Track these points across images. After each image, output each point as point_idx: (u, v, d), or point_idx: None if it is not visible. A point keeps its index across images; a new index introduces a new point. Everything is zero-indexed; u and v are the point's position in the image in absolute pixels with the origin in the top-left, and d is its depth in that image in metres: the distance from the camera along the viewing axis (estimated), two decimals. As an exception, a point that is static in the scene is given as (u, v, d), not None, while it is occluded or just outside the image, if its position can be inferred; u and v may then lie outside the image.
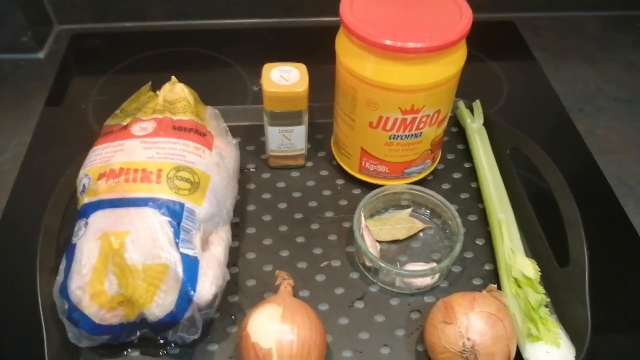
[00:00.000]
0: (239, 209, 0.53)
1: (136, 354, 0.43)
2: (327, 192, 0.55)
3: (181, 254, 0.40)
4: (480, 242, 0.52)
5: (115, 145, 0.44)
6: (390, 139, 0.50)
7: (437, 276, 0.47)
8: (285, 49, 0.72)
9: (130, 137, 0.45)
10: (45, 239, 0.45)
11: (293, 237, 0.51)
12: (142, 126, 0.46)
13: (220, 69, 0.69)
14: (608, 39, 0.79)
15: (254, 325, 0.39)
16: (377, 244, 0.50)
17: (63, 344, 0.41)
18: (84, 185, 0.43)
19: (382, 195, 0.51)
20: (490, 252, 0.50)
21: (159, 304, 0.38)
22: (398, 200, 0.53)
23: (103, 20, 0.74)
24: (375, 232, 0.50)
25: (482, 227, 0.53)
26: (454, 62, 0.46)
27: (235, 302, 0.46)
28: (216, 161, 0.46)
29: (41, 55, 0.70)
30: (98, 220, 0.40)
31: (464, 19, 0.45)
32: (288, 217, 0.53)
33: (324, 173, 0.57)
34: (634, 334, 0.46)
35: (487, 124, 0.60)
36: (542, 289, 0.45)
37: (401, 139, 0.50)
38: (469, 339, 0.38)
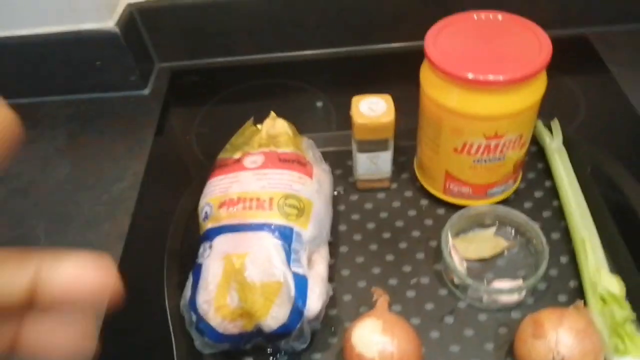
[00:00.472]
0: (332, 229, 0.58)
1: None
2: (412, 212, 0.59)
3: (292, 272, 0.45)
4: (564, 259, 0.54)
5: (231, 177, 0.51)
6: (474, 162, 0.53)
7: (524, 293, 0.50)
8: (364, 74, 0.77)
9: (243, 169, 0.52)
10: (169, 259, 0.52)
11: (383, 255, 0.55)
12: (252, 159, 0.52)
13: (304, 97, 0.75)
14: (689, 49, 0.78)
15: (357, 337, 0.43)
16: (464, 262, 0.53)
17: (189, 351, 0.47)
18: (206, 212, 0.50)
19: (468, 214, 0.54)
20: (574, 269, 0.52)
21: (274, 317, 0.44)
22: (482, 219, 0.56)
23: (197, 57, 0.82)
24: (461, 250, 0.54)
25: (565, 244, 0.55)
26: (535, 91, 0.49)
27: (334, 315, 0.51)
28: (316, 188, 0.52)
29: (146, 91, 0.79)
30: (221, 242, 0.47)
31: (543, 50, 0.48)
32: (377, 236, 0.57)
33: (408, 194, 0.61)
34: None
35: (566, 142, 0.62)
36: (627, 305, 0.47)
37: (485, 162, 0.53)
38: (558, 353, 0.41)
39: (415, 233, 0.57)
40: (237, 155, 0.54)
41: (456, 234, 0.55)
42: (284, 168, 0.51)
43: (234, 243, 0.46)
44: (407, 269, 0.54)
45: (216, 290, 0.45)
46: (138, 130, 0.73)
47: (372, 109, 0.54)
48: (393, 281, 0.53)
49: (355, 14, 0.78)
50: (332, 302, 0.52)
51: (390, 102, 0.55)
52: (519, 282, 0.50)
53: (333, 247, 0.56)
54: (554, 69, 0.75)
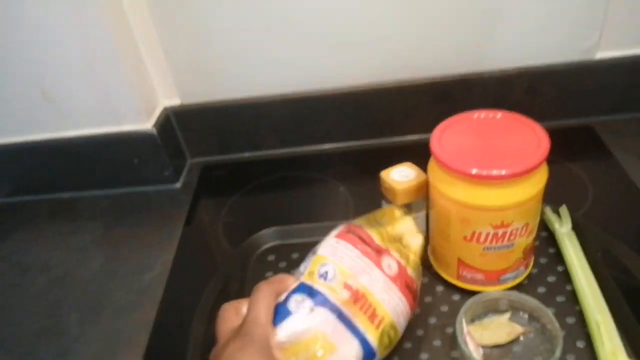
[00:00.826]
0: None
1: None
2: (428, 299, 0.61)
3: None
4: (580, 344, 0.54)
5: (364, 262, 0.49)
6: (484, 250, 0.56)
7: (539, 381, 0.50)
8: (378, 165, 0.82)
9: (379, 266, 0.50)
10: (193, 346, 0.54)
11: (400, 343, 0.56)
12: (389, 264, 0.51)
13: (324, 187, 0.80)
14: (691, 135, 0.81)
15: None
16: (480, 349, 0.54)
17: None
18: (327, 272, 0.48)
19: (482, 301, 0.56)
20: (591, 354, 0.53)
21: None
22: (496, 305, 0.57)
23: (226, 152, 0.89)
24: (476, 336, 0.55)
25: (580, 329, 0.56)
26: (536, 183, 0.53)
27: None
28: (406, 319, 0.53)
29: (178, 185, 0.85)
30: (320, 316, 0.46)
31: (541, 144, 0.52)
32: (395, 323, 0.59)
33: (424, 280, 0.63)
34: None
35: (575, 227, 0.64)
36: (645, 392, 0.47)
37: (494, 249, 0.55)
38: None
39: (432, 320, 0.59)
40: (378, 240, 0.52)
41: (471, 320, 0.57)
42: (404, 295, 0.51)
43: (330, 330, 0.46)
44: (424, 356, 0.55)
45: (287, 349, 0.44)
46: (169, 221, 0.78)
47: (404, 175, 0.60)
48: (411, 369, 0.54)
49: (370, 111, 0.85)
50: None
51: (413, 166, 0.60)
52: (535, 368, 0.51)
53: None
54: (561, 157, 0.80)
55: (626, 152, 0.79)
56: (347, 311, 0.47)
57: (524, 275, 0.60)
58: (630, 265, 0.57)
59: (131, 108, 0.77)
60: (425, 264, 0.64)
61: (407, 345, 0.56)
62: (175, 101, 0.84)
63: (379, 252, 0.51)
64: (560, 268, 0.62)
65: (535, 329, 0.56)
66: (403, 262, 0.53)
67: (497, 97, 0.84)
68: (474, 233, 0.55)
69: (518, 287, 0.60)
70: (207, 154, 0.89)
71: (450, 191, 0.54)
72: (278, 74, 0.81)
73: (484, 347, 0.55)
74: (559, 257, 0.63)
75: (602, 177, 0.76)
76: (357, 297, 0.48)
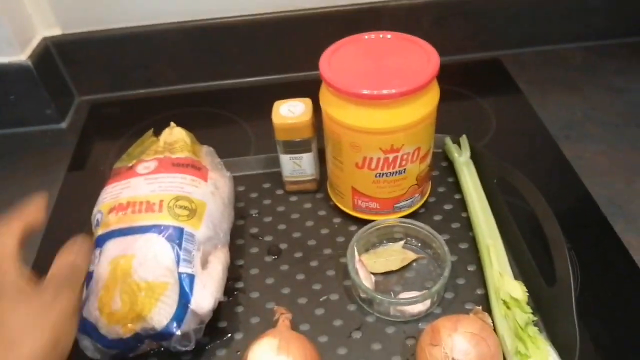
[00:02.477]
0: (242, 251, 0.57)
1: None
2: (324, 231, 0.59)
3: (181, 272, 0.45)
4: (471, 268, 0.54)
5: (123, 184, 0.51)
6: (376, 176, 0.53)
7: (429, 302, 0.50)
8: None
9: (135, 175, 0.51)
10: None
11: (293, 275, 0.55)
12: (145, 165, 0.52)
13: (225, 125, 0.75)
14: (592, 67, 0.82)
15: (252, 357, 0.42)
16: (372, 276, 0.53)
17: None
18: (97, 220, 0.49)
19: (374, 229, 0.55)
20: (481, 277, 0.53)
21: (160, 315, 0.43)
22: (390, 233, 0.56)
23: (118, 89, 0.82)
24: (369, 264, 0.53)
25: (472, 254, 0.55)
26: (426, 103, 0.51)
27: (240, 338, 0.49)
28: (211, 190, 0.52)
29: (63, 125, 0.78)
30: (110, 247, 0.46)
31: (431, 63, 0.50)
32: (288, 257, 0.56)
33: (322, 213, 0.61)
34: (621, 348, 0.48)
35: (475, 157, 0.63)
36: (528, 309, 0.47)
37: (386, 176, 0.53)
38: (453, 359, 0.41)
39: (327, 251, 0.57)
40: (131, 164, 0.53)
41: (366, 250, 0.55)
42: (177, 172, 0.51)
43: (122, 246, 0.46)
44: (317, 287, 0.53)
45: (104, 294, 0.44)
46: (53, 164, 0.72)
47: (292, 111, 0.57)
48: (302, 300, 0.52)
49: (275, 44, 0.80)
50: (239, 324, 0.51)
51: (310, 104, 0.57)
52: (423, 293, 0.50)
53: (243, 269, 0.55)
54: (468, 89, 0.79)
55: (531, 84, 0.79)
56: (126, 224, 0.47)
57: (420, 203, 0.59)
58: (522, 190, 0.57)
59: (0, 36, 0.69)
60: (325, 196, 0.62)
61: (300, 277, 0.54)
62: (55, 31, 0.75)
63: (130, 168, 0.53)
64: (457, 196, 0.62)
65: (428, 255, 0.55)
66: (167, 154, 0.54)
67: (406, 28, 0.79)
68: (364, 159, 0.52)
69: (414, 215, 0.58)
70: (98, 91, 0.82)
71: (340, 115, 0.51)
72: (173, 0, 0.74)
73: (376, 274, 0.53)
74: (457, 185, 0.62)
75: (506, 108, 0.76)
76: (125, 208, 0.48)
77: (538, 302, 0.50)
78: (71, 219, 0.62)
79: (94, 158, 0.72)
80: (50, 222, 0.62)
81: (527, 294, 0.48)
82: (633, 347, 0.48)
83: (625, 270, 0.54)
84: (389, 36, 0.54)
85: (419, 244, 0.56)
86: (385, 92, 0.48)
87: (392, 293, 0.52)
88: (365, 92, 0.48)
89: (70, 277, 0.39)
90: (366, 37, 0.54)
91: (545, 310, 0.49)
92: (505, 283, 0.49)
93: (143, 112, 0.78)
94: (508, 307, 0.48)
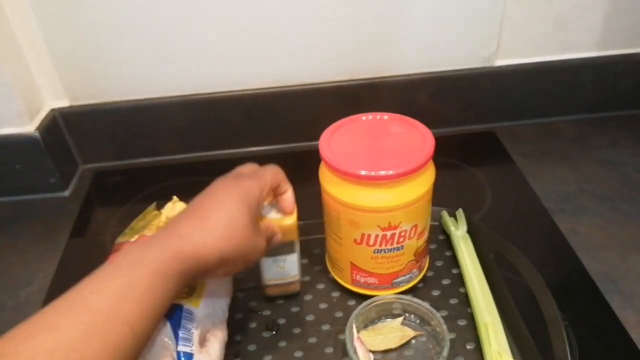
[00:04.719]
0: (240, 326, 0.57)
1: None
2: (323, 305, 0.59)
3: (179, 351, 0.44)
4: (470, 346, 0.54)
5: None
6: (374, 252, 0.54)
7: (428, 384, 0.49)
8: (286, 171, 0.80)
9: None
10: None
11: (291, 352, 0.54)
12: None
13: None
14: (585, 140, 0.85)
15: None
16: (371, 354, 0.52)
17: None
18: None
19: (373, 305, 0.55)
20: (479, 355, 0.52)
21: None
22: (389, 309, 0.56)
23: (122, 158, 0.84)
24: (368, 342, 0.53)
25: (471, 331, 0.55)
26: (423, 183, 0.52)
27: (236, 419, 0.49)
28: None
29: (66, 193, 0.79)
30: None
31: (426, 144, 0.52)
32: (286, 332, 0.56)
33: (320, 286, 0.61)
34: None
35: (471, 231, 0.64)
36: (528, 391, 0.47)
37: (384, 252, 0.54)
38: None
39: (325, 327, 0.57)
40: (133, 239, 0.54)
41: (364, 326, 0.55)
42: None
43: None
44: (314, 365, 0.53)
45: None
46: (53, 232, 0.72)
47: (275, 211, 0.55)
48: (300, 379, 0.52)
49: (276, 116, 0.82)
50: (235, 404, 0.50)
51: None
52: (422, 373, 0.49)
53: (241, 345, 0.55)
54: (463, 161, 0.81)
55: (525, 157, 0.82)
56: None
57: (418, 278, 0.59)
58: (518, 266, 0.57)
59: (10, 109, 0.71)
60: (323, 270, 0.63)
61: (299, 354, 0.54)
62: (63, 102, 0.78)
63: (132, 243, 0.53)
64: (455, 271, 0.62)
65: (427, 332, 0.55)
66: None
67: (404, 102, 0.84)
68: (363, 235, 0.53)
69: (413, 290, 0.59)
70: (101, 160, 0.84)
71: (340, 193, 0.52)
72: (177, 75, 0.78)
73: (375, 352, 0.53)
74: (454, 259, 0.63)
75: (501, 180, 0.77)
76: None
77: (537, 383, 0.49)
78: (72, 286, 0.62)
79: (96, 225, 0.73)
80: (51, 288, 0.63)
81: (527, 375, 0.48)
82: None
83: (623, 349, 0.54)
84: (385, 117, 0.56)
85: (418, 320, 0.56)
86: (382, 173, 0.49)
87: None
88: (363, 173, 0.50)
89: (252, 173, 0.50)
90: (364, 117, 0.56)
91: (546, 393, 0.49)
92: (504, 363, 0.49)
93: (146, 181, 0.80)
94: (508, 389, 0.48)
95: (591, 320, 0.56)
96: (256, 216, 0.47)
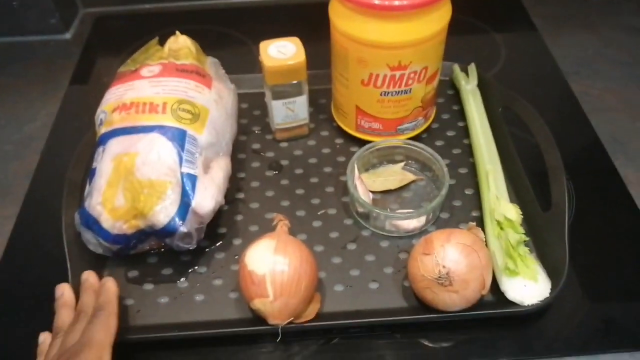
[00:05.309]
0: (244, 165, 0.58)
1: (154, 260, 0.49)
2: (326, 150, 0.59)
3: (183, 172, 0.46)
4: (468, 191, 0.55)
5: (127, 86, 0.51)
6: (381, 95, 0.53)
7: (424, 219, 0.51)
8: (290, 22, 0.77)
9: (139, 78, 0.52)
10: (69, 189, 0.51)
11: (293, 189, 0.55)
12: (149, 69, 0.52)
13: (232, 43, 0.74)
14: (610, 6, 0.80)
15: (250, 256, 0.43)
16: (370, 194, 0.53)
17: (82, 266, 0.47)
18: (101, 119, 0.50)
19: (375, 149, 0.55)
20: (477, 200, 0.54)
21: (162, 212, 0.44)
22: (391, 154, 0.56)
23: (125, 3, 0.80)
24: (368, 183, 0.54)
25: (471, 178, 0.56)
26: (437, 20, 0.49)
27: (238, 244, 0.51)
28: (214, 98, 0.52)
29: (68, 35, 0.77)
30: (113, 145, 0.47)
31: (445, -21, 0.49)
32: (289, 172, 0.57)
33: (324, 133, 0.61)
34: (605, 273, 0.49)
35: (482, 86, 0.63)
36: (521, 229, 0.48)
37: (391, 95, 0.53)
38: (444, 267, 0.42)
39: (327, 169, 0.57)
40: (135, 68, 0.53)
41: (366, 169, 0.56)
42: (181, 77, 0.51)
43: (125, 145, 0.46)
44: (315, 201, 0.54)
45: (108, 190, 0.45)
46: (56, 73, 0.71)
47: (282, 52, 0.53)
48: (301, 213, 0.53)
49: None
50: (238, 231, 0.52)
51: (299, 43, 0.54)
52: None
53: (245, 181, 0.56)
54: (481, 21, 0.77)
55: (546, 20, 0.78)
56: (130, 123, 0.48)
57: (423, 127, 0.59)
58: (526, 119, 0.57)
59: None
60: (328, 118, 0.62)
61: (300, 191, 0.55)
62: (60, -64, 0.73)
63: (134, 71, 0.53)
64: (461, 124, 0.61)
65: (427, 177, 0.56)
66: (172, 60, 0.54)
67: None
68: (371, 75, 0.52)
69: (416, 139, 0.58)
70: (103, 3, 0.80)
71: (350, 27, 0.50)
72: None
73: (374, 192, 0.54)
74: (462, 114, 0.62)
75: (518, 42, 0.74)
76: (128, 108, 0.49)
77: (532, 226, 0.51)
78: (74, 128, 0.62)
79: (97, 71, 0.72)
80: (52, 133, 0.63)
81: (522, 217, 0.49)
82: (617, 274, 0.49)
83: (620, 202, 0.55)
84: (403, -52, 0.52)
85: (419, 167, 0.56)
86: (397, 3, 0.47)
87: (388, 209, 0.53)
88: (376, 2, 0.47)
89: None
90: (380, -52, 0.52)
91: (538, 234, 0.50)
92: (501, 205, 0.50)
93: (149, 27, 0.76)
94: (501, 228, 0.49)
95: (593, 175, 0.57)
96: None
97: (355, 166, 0.53)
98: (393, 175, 0.55)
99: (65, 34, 0.76)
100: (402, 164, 0.56)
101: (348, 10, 0.49)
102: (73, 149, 0.55)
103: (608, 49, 0.73)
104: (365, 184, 0.53)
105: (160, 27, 0.75)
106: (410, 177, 0.55)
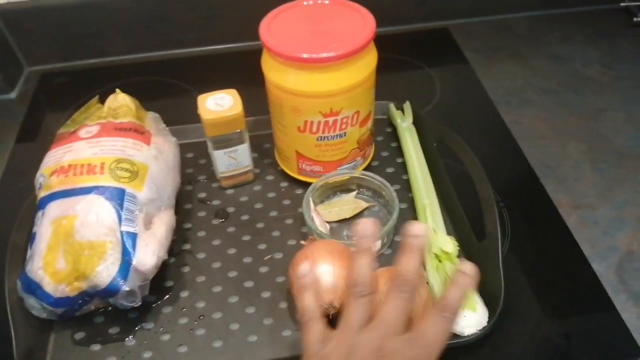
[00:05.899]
0: (190, 215, 0.59)
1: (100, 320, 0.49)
2: (271, 194, 0.61)
3: (122, 230, 0.47)
4: (409, 226, 0.57)
5: (65, 148, 0.52)
6: (317, 140, 0.55)
7: (379, 243, 0.53)
8: (233, 69, 0.78)
9: (77, 139, 0.52)
10: (12, 253, 0.51)
11: (240, 236, 0.56)
12: (88, 130, 0.53)
13: (175, 93, 0.76)
14: (536, 37, 0.85)
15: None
16: (327, 224, 0.55)
17: (28, 337, 0.47)
18: (40, 183, 0.51)
19: (329, 180, 0.57)
20: (417, 234, 0.56)
21: (105, 272, 0.45)
22: (343, 185, 0.59)
23: (69, 59, 0.81)
24: (324, 214, 0.56)
25: (411, 213, 0.58)
26: (364, 67, 0.52)
27: (185, 296, 0.51)
28: (154, 154, 0.54)
29: (12, 95, 0.77)
30: (52, 209, 0.48)
31: (367, 26, 0.52)
32: (235, 219, 0.58)
33: (270, 177, 0.63)
34: (542, 297, 0.51)
35: (417, 122, 0.66)
36: (457, 261, 0.50)
37: (328, 139, 0.55)
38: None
39: (273, 213, 0.59)
40: (74, 129, 0.54)
41: (321, 201, 0.58)
42: (119, 136, 0.53)
43: (64, 207, 0.47)
44: (262, 246, 0.55)
45: (47, 254, 0.45)
46: (1, 133, 0.71)
47: (220, 104, 0.55)
48: (247, 259, 0.54)
49: (226, 13, 0.80)
50: (185, 283, 0.53)
51: (237, 95, 0.56)
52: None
53: (191, 232, 0.57)
54: (416, 59, 0.81)
55: (477, 53, 0.82)
56: (68, 186, 0.49)
57: (362, 167, 0.61)
58: (458, 152, 0.59)
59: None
60: (273, 162, 0.64)
61: (246, 238, 0.56)
62: (0, -1, 0.74)
63: (73, 132, 0.54)
64: (399, 160, 0.64)
65: (378, 203, 0.58)
66: (111, 119, 0.55)
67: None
68: (306, 122, 0.54)
69: (357, 178, 0.61)
70: (48, 61, 0.81)
71: (281, 80, 0.52)
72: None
73: (330, 222, 0.56)
74: (399, 150, 0.65)
75: (452, 77, 0.78)
76: (66, 171, 0.49)
77: (469, 256, 0.53)
78: (19, 189, 0.62)
79: (44, 128, 0.72)
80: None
81: (459, 248, 0.51)
82: (552, 298, 0.51)
83: (552, 226, 0.57)
84: (326, 1, 0.55)
85: (370, 194, 0.59)
86: (324, 55, 0.49)
87: (345, 237, 0.55)
88: (304, 55, 0.49)
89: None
90: (305, 3, 0.55)
91: (475, 264, 0.52)
92: (438, 238, 0.52)
93: (94, 82, 0.78)
94: (440, 260, 0.51)
95: (526, 202, 0.60)
96: None
97: (311, 199, 0.55)
98: (347, 205, 0.57)
99: (10, 94, 0.77)
100: (355, 192, 0.58)
101: (278, 63, 0.52)
102: (17, 212, 0.56)
103: (536, 78, 0.77)
104: (321, 215, 0.55)
105: (106, 81, 0.78)
106: (363, 204, 0.58)
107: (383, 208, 0.58)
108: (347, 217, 0.57)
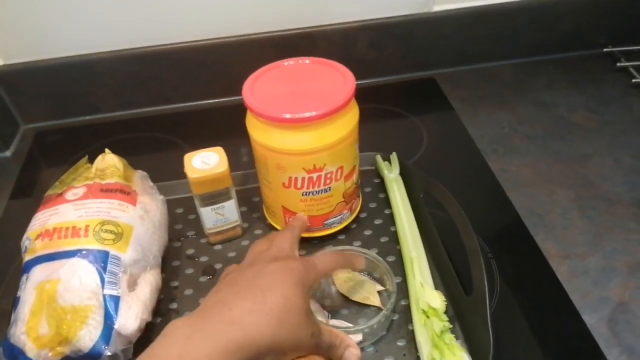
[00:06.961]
0: (177, 272, 0.59)
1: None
2: (259, 249, 0.61)
3: (105, 294, 0.47)
4: (397, 279, 0.56)
5: (51, 210, 0.52)
6: (303, 195, 0.56)
7: (361, 336, 0.51)
8: (223, 124, 0.80)
9: (63, 201, 0.53)
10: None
11: (227, 294, 0.56)
12: (74, 192, 0.54)
13: (167, 148, 0.77)
14: (521, 84, 0.87)
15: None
16: (326, 312, 0.54)
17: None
18: (25, 247, 0.51)
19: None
20: (405, 288, 0.55)
21: (87, 336, 0.45)
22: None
23: (62, 117, 0.83)
24: (340, 282, 0.56)
25: (399, 266, 0.58)
26: (345, 124, 0.53)
27: (171, 357, 0.51)
28: (140, 214, 0.54)
29: (8, 153, 0.79)
30: (36, 273, 0.48)
31: (347, 84, 0.53)
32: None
33: (258, 232, 0.63)
34: (532, 352, 0.51)
35: (404, 173, 0.66)
36: (445, 317, 0.50)
37: (312, 194, 0.56)
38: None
39: (261, 269, 0.59)
40: (61, 191, 0.55)
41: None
42: (104, 197, 0.53)
43: (47, 272, 0.47)
44: (248, 304, 0.55)
45: (31, 319, 0.45)
46: (-5, 193, 0.72)
47: (206, 163, 0.56)
48: (234, 318, 0.54)
49: (213, 68, 0.82)
50: (171, 344, 0.52)
51: (223, 153, 0.57)
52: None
53: (178, 290, 0.57)
54: (402, 109, 0.82)
55: (463, 102, 0.83)
56: (52, 250, 0.49)
57: (349, 219, 0.61)
58: (444, 203, 0.60)
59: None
60: (261, 216, 0.64)
61: (233, 296, 0.56)
62: (-4, 61, 0.77)
63: (60, 195, 0.54)
64: (387, 211, 0.64)
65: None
66: (97, 181, 0.55)
67: (342, 51, 0.84)
68: (290, 179, 0.55)
69: (345, 231, 0.61)
70: (42, 119, 0.83)
71: (265, 138, 0.53)
72: (110, 30, 0.76)
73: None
74: (387, 201, 0.65)
75: (438, 125, 0.79)
76: (51, 234, 0.50)
77: (457, 310, 0.52)
78: (8, 250, 0.62)
79: (38, 186, 0.73)
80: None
81: (447, 303, 0.51)
82: (543, 350, 0.51)
83: (542, 276, 0.57)
84: (307, 61, 0.57)
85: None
86: (306, 115, 0.50)
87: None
88: (286, 116, 0.51)
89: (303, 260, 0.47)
90: (286, 63, 0.57)
91: (463, 318, 0.52)
92: (425, 293, 0.52)
93: (87, 139, 0.79)
94: (427, 316, 0.50)
95: (515, 252, 0.60)
96: (309, 306, 0.44)
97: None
98: (364, 288, 0.56)
99: (5, 152, 0.78)
100: (379, 286, 0.56)
101: (262, 123, 0.53)
102: (6, 274, 0.56)
103: (522, 125, 0.78)
104: (336, 285, 0.55)
105: (98, 137, 0.79)
106: (377, 301, 0.54)
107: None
108: (352, 298, 0.55)
